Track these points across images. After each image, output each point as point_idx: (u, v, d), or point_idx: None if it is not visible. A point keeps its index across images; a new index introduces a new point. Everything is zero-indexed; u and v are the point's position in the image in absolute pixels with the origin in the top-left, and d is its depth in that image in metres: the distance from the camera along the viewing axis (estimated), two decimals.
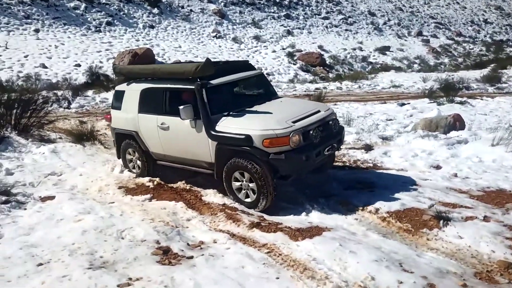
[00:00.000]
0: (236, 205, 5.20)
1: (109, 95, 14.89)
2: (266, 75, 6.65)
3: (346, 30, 35.40)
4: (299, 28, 33.23)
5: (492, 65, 23.54)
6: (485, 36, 42.49)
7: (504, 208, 4.79)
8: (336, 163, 6.61)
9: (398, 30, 38.18)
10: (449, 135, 8.01)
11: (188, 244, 4.19)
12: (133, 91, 6.13)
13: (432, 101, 12.60)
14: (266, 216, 4.87)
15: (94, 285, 3.39)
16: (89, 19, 25.50)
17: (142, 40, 24.88)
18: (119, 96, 6.41)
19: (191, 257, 3.88)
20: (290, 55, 26.21)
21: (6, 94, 9.75)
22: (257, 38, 29.08)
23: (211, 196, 5.53)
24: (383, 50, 31.29)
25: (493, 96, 14.02)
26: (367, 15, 39.40)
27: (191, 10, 30.36)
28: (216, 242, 4.20)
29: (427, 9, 45.34)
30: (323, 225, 4.57)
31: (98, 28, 24.91)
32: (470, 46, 37.69)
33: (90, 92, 15.53)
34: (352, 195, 5.34)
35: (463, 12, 47.36)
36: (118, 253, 3.96)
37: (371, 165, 6.70)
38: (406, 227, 4.51)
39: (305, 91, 16.14)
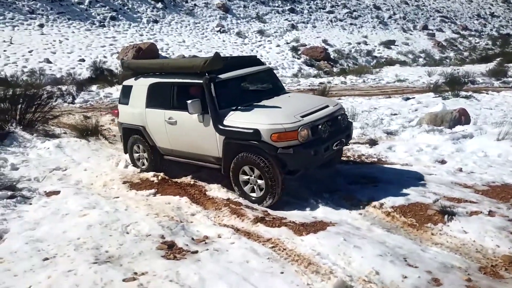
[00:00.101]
0: (240, 200, 5.20)
1: (113, 90, 14.95)
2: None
3: (351, 24, 35.17)
4: (303, 22, 33.05)
5: (498, 59, 23.31)
6: (491, 29, 42.06)
7: (509, 202, 4.77)
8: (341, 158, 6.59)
9: (404, 24, 37.88)
10: (454, 130, 7.96)
11: (192, 238, 4.21)
12: (140, 86, 6.13)
13: (437, 96, 12.52)
14: (270, 211, 4.88)
15: (100, 280, 3.41)
16: (93, 14, 25.49)
17: (146, 35, 24.85)
18: (126, 91, 6.41)
19: (196, 252, 3.90)
20: (294, 49, 26.08)
21: (11, 89, 9.81)
22: (261, 32, 28.96)
23: (215, 191, 5.54)
24: (388, 44, 31.08)
25: (498, 91, 13.91)
26: (372, 9, 39.11)
27: (195, 5, 30.26)
28: (220, 237, 4.21)
29: (433, 3, 44.92)
30: (327, 220, 4.57)
31: (102, 23, 24.91)
32: (476, 40, 37.35)
33: (94, 87, 15.56)
34: (356, 190, 5.33)
35: (469, 5, 46.89)
36: (123, 248, 3.98)
37: (376, 159, 6.68)
38: (410, 221, 4.50)
39: (309, 86, 16.09)
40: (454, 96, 12.15)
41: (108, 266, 3.61)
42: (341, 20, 35.34)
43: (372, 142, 7.48)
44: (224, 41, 26.52)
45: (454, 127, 8.19)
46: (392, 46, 30.89)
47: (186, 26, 27.62)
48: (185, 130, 5.55)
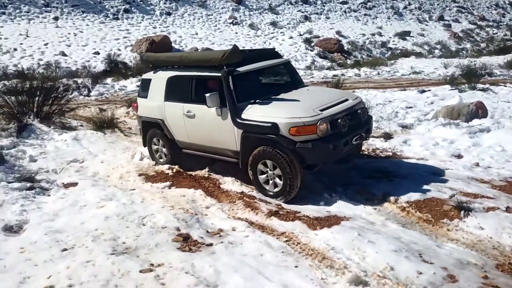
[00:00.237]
0: (254, 193, 5.23)
1: (128, 83, 15.07)
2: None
3: (365, 15, 34.70)
4: (316, 14, 32.73)
5: None
6: (510, 20, 41.02)
7: None
8: None
9: (419, 14, 37.21)
10: (471, 123, 7.83)
11: (207, 231, 4.25)
12: (159, 79, 6.15)
13: (453, 88, 12.30)
14: (284, 205, 4.89)
15: (117, 270, 3.48)
16: (107, 6, 25.66)
17: (159, 27, 24.95)
18: (145, 84, 6.44)
19: (211, 244, 3.94)
20: (307, 41, 25.90)
21: (28, 82, 9.96)
22: (274, 24, 28.79)
23: (229, 184, 5.57)
24: (403, 35, 30.61)
25: None
26: None
27: None
28: (235, 230, 4.25)
29: None
30: (341, 214, 4.57)
31: (116, 16, 25.07)
32: (493, 30, 36.49)
33: (109, 80, 15.72)
34: (370, 184, 5.30)
35: None
36: (140, 239, 4.05)
37: (391, 153, 6.63)
38: (426, 217, 4.47)
39: (322, 78, 15.97)
40: (470, 89, 11.91)
41: (125, 257, 3.69)
42: (355, 11, 34.89)
43: (387, 136, 7.41)
44: (236, 33, 26.46)
45: (471, 121, 8.06)
46: (407, 37, 30.42)
47: (199, 18, 27.62)
48: (203, 124, 5.56)
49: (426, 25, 35.14)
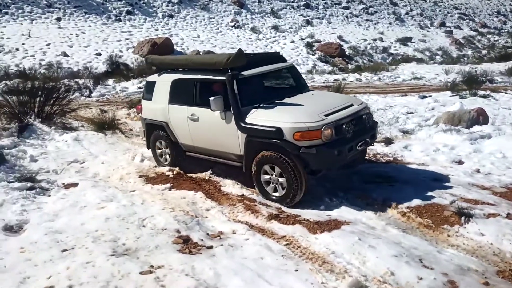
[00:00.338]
0: (254, 196, 5.23)
1: (129, 84, 15.10)
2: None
3: (367, 20, 34.77)
4: (318, 18, 32.81)
5: None
6: (511, 27, 41.12)
7: None
8: None
9: (421, 20, 37.29)
10: (472, 130, 7.84)
11: (207, 234, 4.25)
12: (164, 82, 6.15)
13: (454, 94, 12.31)
14: (284, 208, 4.89)
15: (117, 272, 3.48)
16: (109, 8, 25.72)
17: (161, 30, 24.98)
18: (150, 87, 6.44)
19: (211, 247, 3.94)
20: (309, 45, 25.92)
21: (30, 82, 9.98)
22: (275, 28, 28.84)
23: (230, 186, 5.57)
24: (405, 41, 30.64)
25: None
26: (388, 4, 38.58)
27: (210, 0, 30.27)
28: (235, 233, 4.24)
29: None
30: (341, 218, 4.56)
31: (118, 17, 25.12)
32: (495, 37, 36.54)
33: (110, 81, 15.74)
34: (371, 189, 5.30)
35: (489, 2, 45.90)
36: (140, 241, 4.04)
37: (391, 159, 6.63)
38: (426, 222, 4.46)
39: (323, 83, 16.00)
40: (471, 95, 11.92)
41: (125, 259, 3.68)
42: (357, 16, 34.97)
43: (388, 141, 7.42)
44: (238, 36, 26.50)
45: (471, 127, 8.06)
46: (408, 43, 30.45)
47: (201, 21, 27.68)
48: (207, 127, 5.55)
49: (428, 31, 35.21)
